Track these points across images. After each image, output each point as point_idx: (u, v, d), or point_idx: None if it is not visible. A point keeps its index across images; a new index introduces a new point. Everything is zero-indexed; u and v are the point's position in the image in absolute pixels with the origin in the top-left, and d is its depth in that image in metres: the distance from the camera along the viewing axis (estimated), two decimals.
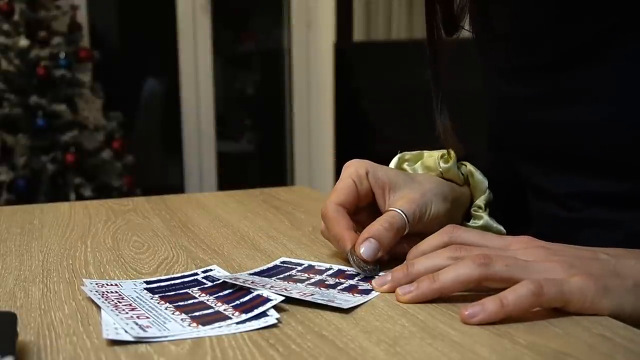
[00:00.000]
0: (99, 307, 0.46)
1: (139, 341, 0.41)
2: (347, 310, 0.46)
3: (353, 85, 3.24)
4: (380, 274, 0.54)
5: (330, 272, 0.56)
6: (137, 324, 0.43)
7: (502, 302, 0.43)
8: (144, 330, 0.42)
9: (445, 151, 0.66)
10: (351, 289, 0.50)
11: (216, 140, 3.38)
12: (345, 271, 0.56)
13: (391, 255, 0.57)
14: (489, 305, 0.43)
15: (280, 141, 3.70)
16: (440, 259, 0.49)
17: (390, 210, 0.58)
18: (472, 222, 0.65)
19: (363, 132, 3.18)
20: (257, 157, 3.87)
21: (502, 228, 0.64)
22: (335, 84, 3.28)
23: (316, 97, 3.56)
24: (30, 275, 0.56)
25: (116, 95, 2.89)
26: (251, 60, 3.82)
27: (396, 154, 0.68)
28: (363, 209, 0.61)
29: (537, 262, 0.46)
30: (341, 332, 0.43)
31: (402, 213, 0.57)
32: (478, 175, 0.66)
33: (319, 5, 3.47)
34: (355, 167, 0.60)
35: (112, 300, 0.47)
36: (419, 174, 0.65)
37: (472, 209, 0.65)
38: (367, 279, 0.53)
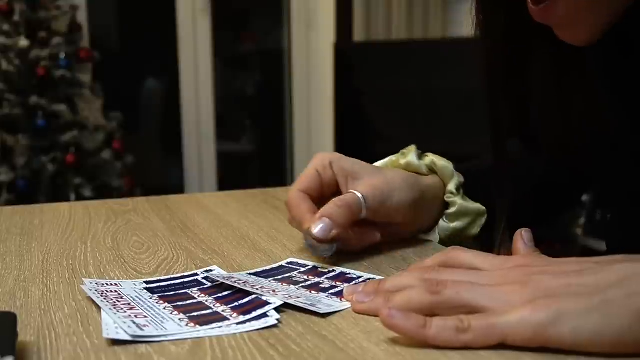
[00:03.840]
0: (99, 307, 0.46)
1: (137, 340, 0.41)
2: (325, 315, 0.45)
3: (353, 85, 3.23)
4: (353, 273, 0.55)
5: (332, 274, 0.55)
6: (134, 322, 0.43)
7: (426, 323, 0.40)
8: (141, 329, 0.42)
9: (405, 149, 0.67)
10: (341, 294, 0.50)
11: (216, 140, 3.37)
12: (347, 274, 0.55)
13: (361, 245, 0.59)
14: (412, 319, 0.40)
15: (280, 141, 3.70)
16: (410, 280, 0.46)
17: (348, 192, 0.60)
18: (449, 210, 0.65)
19: (363, 132, 3.18)
20: (257, 157, 3.87)
21: (480, 206, 0.64)
22: (335, 84, 3.27)
23: (316, 97, 3.55)
24: (30, 276, 0.56)
25: (116, 95, 2.89)
26: (251, 61, 3.82)
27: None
28: (329, 199, 0.61)
29: (496, 287, 0.42)
30: (341, 332, 0.43)
31: (357, 194, 0.59)
32: (441, 162, 0.65)
33: (319, 5, 3.47)
34: (320, 158, 0.63)
35: (111, 299, 0.47)
36: (386, 167, 0.66)
37: (445, 197, 0.65)
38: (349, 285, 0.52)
